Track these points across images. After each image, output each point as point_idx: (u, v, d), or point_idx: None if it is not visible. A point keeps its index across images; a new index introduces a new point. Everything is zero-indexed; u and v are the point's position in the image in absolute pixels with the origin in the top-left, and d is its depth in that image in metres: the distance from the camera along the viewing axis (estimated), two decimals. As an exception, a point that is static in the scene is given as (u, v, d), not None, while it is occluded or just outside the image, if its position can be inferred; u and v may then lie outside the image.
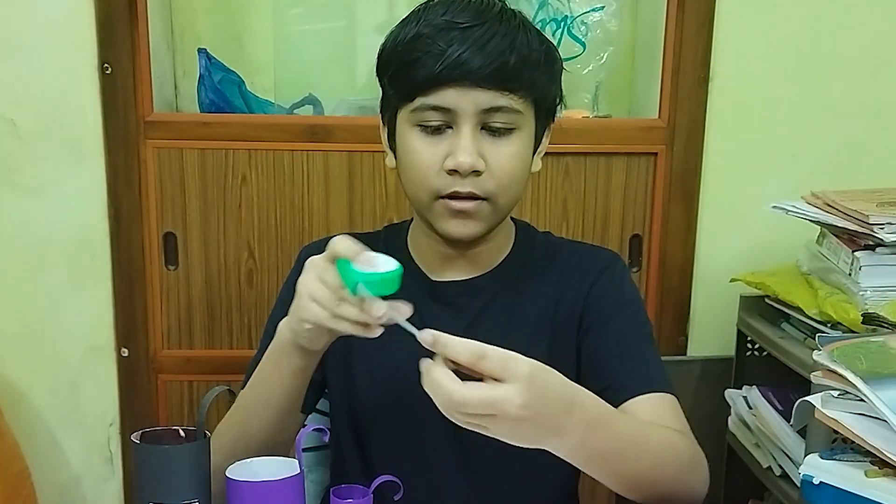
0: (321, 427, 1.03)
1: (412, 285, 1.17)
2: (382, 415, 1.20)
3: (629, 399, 1.12)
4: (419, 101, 1.09)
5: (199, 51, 1.92)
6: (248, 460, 1.01)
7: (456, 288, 1.20)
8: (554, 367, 1.14)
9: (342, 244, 0.97)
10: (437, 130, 1.09)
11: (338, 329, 0.98)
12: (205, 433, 0.96)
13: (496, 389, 0.85)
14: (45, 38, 1.78)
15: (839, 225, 1.50)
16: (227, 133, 1.84)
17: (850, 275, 1.50)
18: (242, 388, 1.21)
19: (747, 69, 1.88)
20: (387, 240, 1.26)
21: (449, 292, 1.20)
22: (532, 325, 1.20)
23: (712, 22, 1.85)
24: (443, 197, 1.11)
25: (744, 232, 1.92)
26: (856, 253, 1.47)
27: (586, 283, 1.21)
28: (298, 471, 0.96)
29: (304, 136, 1.85)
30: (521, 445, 0.89)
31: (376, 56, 1.17)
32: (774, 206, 1.61)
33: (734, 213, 1.92)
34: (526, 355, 1.13)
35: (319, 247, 1.25)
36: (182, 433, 0.98)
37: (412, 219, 1.27)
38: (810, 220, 1.58)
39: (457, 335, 1.06)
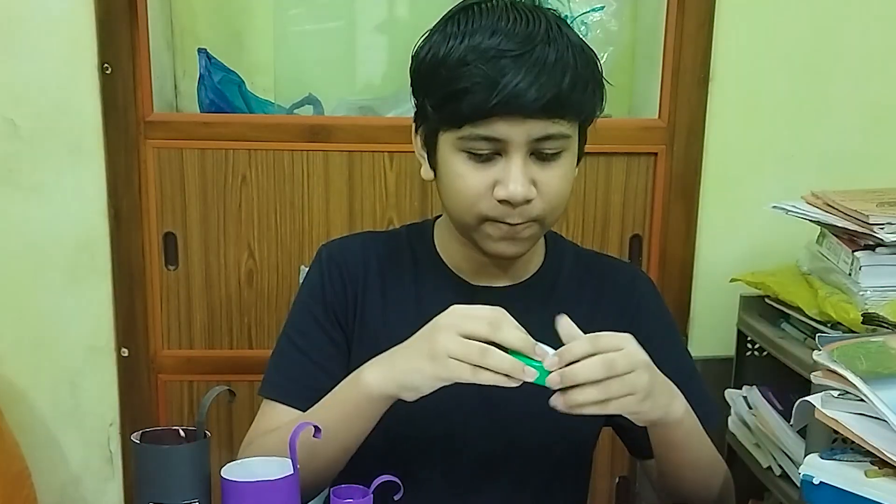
0: (316, 425, 1.02)
1: (452, 290, 1.18)
2: (412, 423, 1.17)
3: None
4: (468, 131, 1.05)
5: (199, 51, 1.92)
6: (244, 460, 1.01)
7: (495, 295, 1.17)
8: None
9: (515, 337, 0.97)
10: (486, 158, 1.07)
11: (479, 381, 0.97)
12: (205, 433, 0.96)
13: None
14: (45, 38, 1.78)
15: (839, 225, 1.50)
16: (227, 133, 1.84)
17: (850, 275, 1.50)
18: (266, 391, 1.19)
19: (747, 69, 1.88)
20: (410, 241, 1.24)
21: (486, 298, 1.15)
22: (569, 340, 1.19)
23: (712, 22, 1.85)
24: (492, 220, 1.09)
25: (744, 232, 1.92)
26: (856, 253, 1.47)
27: (629, 306, 1.21)
28: (293, 470, 0.96)
29: (304, 136, 1.85)
30: (657, 405, 0.98)
31: (411, 65, 1.13)
32: (774, 206, 1.61)
33: (734, 213, 1.92)
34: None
35: (340, 246, 1.25)
36: (182, 433, 0.98)
37: (434, 220, 1.25)
38: (810, 220, 1.58)
39: (489, 342, 1.06)
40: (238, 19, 2.03)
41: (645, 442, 1.15)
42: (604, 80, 1.14)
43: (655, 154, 1.89)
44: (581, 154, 1.16)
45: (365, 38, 2.07)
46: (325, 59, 2.08)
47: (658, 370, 1.00)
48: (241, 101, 1.93)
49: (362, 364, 1.14)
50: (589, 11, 1.96)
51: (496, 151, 1.06)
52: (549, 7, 1.13)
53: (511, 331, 0.97)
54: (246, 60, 2.02)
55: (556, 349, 1.10)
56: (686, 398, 1.13)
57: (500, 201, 1.07)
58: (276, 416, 1.17)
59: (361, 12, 2.07)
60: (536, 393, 1.14)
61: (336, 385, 1.11)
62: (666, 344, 1.19)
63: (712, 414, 1.20)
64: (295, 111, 1.98)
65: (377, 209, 1.88)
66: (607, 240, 1.91)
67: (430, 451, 1.18)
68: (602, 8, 1.96)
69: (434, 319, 1.01)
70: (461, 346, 0.96)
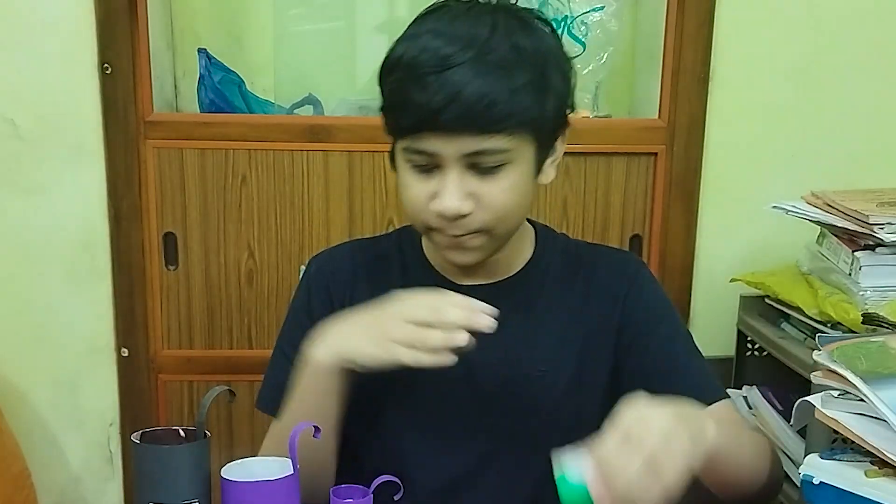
0: (314, 425, 1.02)
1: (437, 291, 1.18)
2: (411, 422, 1.18)
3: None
4: (406, 143, 1.07)
5: (199, 51, 1.92)
6: (244, 460, 1.01)
7: (480, 292, 1.15)
8: (584, 375, 1.18)
9: (457, 315, 1.00)
10: (426, 169, 1.07)
11: (419, 363, 1.00)
12: (205, 433, 0.96)
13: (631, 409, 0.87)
14: (45, 38, 1.78)
15: (839, 225, 1.50)
16: (227, 133, 1.84)
17: (850, 275, 1.50)
18: (263, 404, 1.21)
19: (747, 69, 1.88)
20: (401, 244, 1.24)
21: (474, 296, 1.15)
22: (560, 332, 1.19)
23: (712, 22, 1.85)
24: (435, 229, 1.10)
25: (744, 232, 1.92)
26: (856, 253, 1.47)
27: (619, 291, 1.20)
28: (292, 470, 0.96)
29: (304, 136, 1.85)
30: (697, 441, 0.88)
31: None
32: (774, 206, 1.61)
33: (734, 213, 1.92)
34: (554, 362, 1.17)
35: (328, 258, 1.26)
36: (182, 433, 0.98)
37: None
38: (810, 220, 1.58)
39: (482, 340, 1.06)
40: (238, 19, 2.03)
41: None
42: (566, 82, 1.10)
43: (655, 154, 1.89)
44: (547, 159, 1.13)
45: (365, 38, 2.07)
46: (325, 59, 2.08)
47: (680, 410, 0.92)
48: (241, 101, 1.93)
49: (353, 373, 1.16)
50: (589, 11, 1.96)
51: (434, 164, 1.06)
52: (525, 6, 1.11)
53: (451, 310, 0.99)
54: (246, 60, 2.02)
55: (544, 345, 1.10)
56: (687, 381, 1.14)
57: (437, 214, 1.07)
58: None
59: (361, 12, 2.07)
60: (536, 392, 1.15)
61: None
62: (662, 326, 1.19)
63: (717, 389, 1.17)
64: (295, 111, 1.97)
65: (377, 209, 1.88)
66: (607, 240, 1.91)
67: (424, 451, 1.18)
68: (602, 8, 1.96)
69: (380, 305, 1.05)
70: (403, 330, 1.00)
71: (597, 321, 1.19)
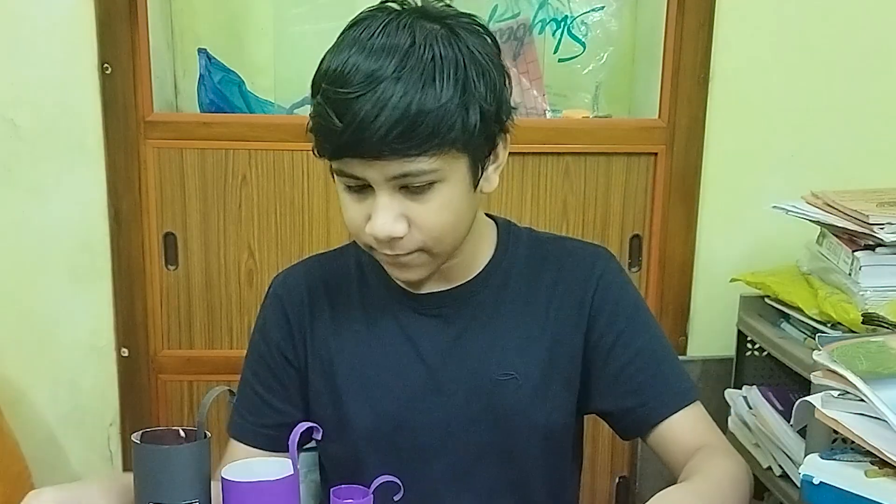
0: (313, 425, 1.02)
1: (396, 301, 1.16)
2: (380, 439, 1.16)
3: (668, 417, 1.14)
4: (335, 165, 1.03)
5: (199, 51, 1.92)
6: (244, 460, 1.01)
7: (440, 299, 1.15)
8: (552, 379, 1.16)
9: None
10: (359, 189, 1.03)
11: None
12: (205, 433, 0.96)
13: None
14: (45, 38, 1.78)
15: (839, 225, 1.50)
16: (227, 133, 1.84)
17: (850, 275, 1.50)
18: (228, 428, 1.22)
19: (747, 69, 1.88)
20: (358, 255, 1.19)
21: (434, 304, 1.15)
22: (525, 334, 1.16)
23: (712, 22, 1.85)
24: (375, 249, 1.07)
25: (744, 232, 1.92)
26: (856, 253, 1.47)
27: (586, 292, 1.16)
28: (293, 471, 0.96)
29: (304, 136, 1.83)
30: None
31: None
32: (774, 206, 1.61)
33: (734, 213, 1.92)
34: (520, 366, 1.15)
35: (284, 280, 1.22)
36: (182, 433, 0.98)
37: None
38: (810, 220, 1.58)
39: (443, 345, 1.06)
40: (238, 19, 2.03)
41: (630, 423, 1.16)
42: (494, 88, 1.02)
43: (655, 154, 1.89)
44: (481, 174, 1.06)
45: (365, 38, 2.07)
46: (325, 59, 2.08)
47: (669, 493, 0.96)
48: (241, 101, 1.93)
49: (321, 386, 1.17)
50: (589, 11, 1.96)
51: (366, 184, 1.02)
52: (461, 13, 1.04)
53: None
54: (246, 60, 2.02)
55: (509, 348, 1.10)
56: (658, 381, 1.14)
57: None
58: (230, 453, 1.19)
59: (361, 12, 2.07)
60: (504, 399, 1.12)
61: (285, 418, 1.16)
62: (630, 327, 1.16)
63: (688, 391, 1.16)
64: (295, 111, 1.98)
65: (377, 209, 1.88)
66: (607, 240, 1.91)
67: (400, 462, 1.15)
68: (602, 8, 1.96)
69: None
70: None
71: (563, 323, 1.16)
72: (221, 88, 1.91)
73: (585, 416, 1.24)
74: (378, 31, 0.99)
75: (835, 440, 1.16)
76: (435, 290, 1.16)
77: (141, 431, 0.97)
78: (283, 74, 2.05)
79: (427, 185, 1.01)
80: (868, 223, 1.43)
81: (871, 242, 1.46)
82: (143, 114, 1.82)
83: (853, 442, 1.02)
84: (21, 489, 1.77)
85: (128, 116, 1.82)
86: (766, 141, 1.91)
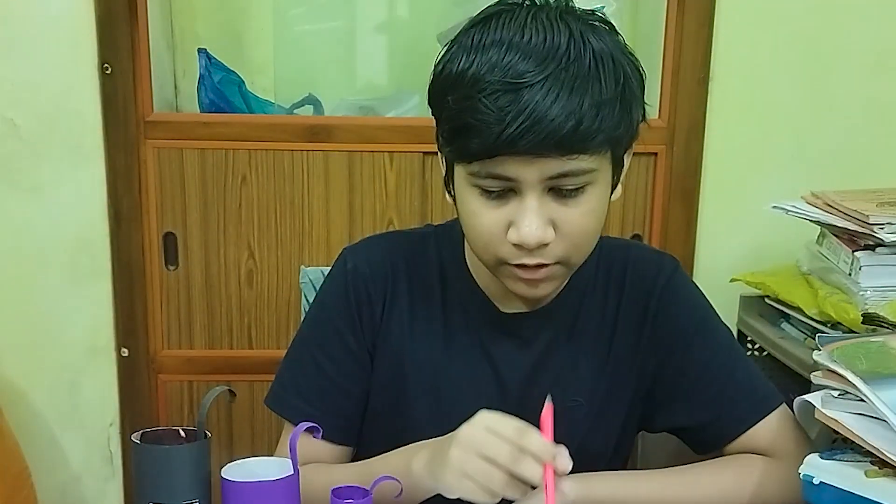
0: (314, 426, 1.02)
1: (480, 315, 1.11)
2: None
3: (749, 429, 1.10)
4: (477, 167, 0.95)
5: (199, 51, 1.92)
6: (243, 460, 1.01)
7: (524, 320, 1.11)
8: (618, 392, 1.13)
9: (532, 473, 0.88)
10: (499, 194, 0.97)
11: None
12: (205, 433, 0.96)
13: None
14: (45, 38, 1.78)
15: (839, 225, 1.50)
16: (227, 133, 1.84)
17: (850, 275, 1.50)
18: (289, 413, 1.14)
19: (747, 69, 1.88)
20: (439, 249, 1.14)
21: (517, 325, 1.11)
22: (597, 352, 1.13)
23: (712, 22, 1.85)
24: (509, 264, 1.00)
25: (744, 232, 1.92)
26: (856, 253, 1.47)
27: (649, 302, 1.13)
28: (293, 471, 0.96)
29: (304, 136, 1.85)
30: None
31: (429, 83, 1.01)
32: (774, 206, 1.61)
33: (734, 213, 1.92)
34: (590, 389, 1.12)
35: (366, 256, 1.14)
36: (182, 433, 0.98)
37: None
38: (810, 220, 1.58)
39: (524, 370, 1.04)
40: (238, 19, 2.03)
41: (706, 437, 1.12)
42: (643, 88, 1.02)
43: (655, 154, 1.89)
44: (618, 180, 1.05)
45: (365, 38, 2.08)
46: (325, 59, 2.08)
47: None
48: (241, 101, 1.93)
49: (386, 380, 1.12)
50: (589, 11, 1.96)
51: (509, 188, 0.96)
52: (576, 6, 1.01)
53: (530, 466, 0.88)
54: (246, 60, 2.02)
55: (585, 370, 1.07)
56: (731, 392, 1.10)
57: (514, 244, 0.97)
58: (315, 452, 1.11)
59: (361, 12, 2.08)
60: (571, 423, 1.05)
61: (356, 406, 1.12)
62: (697, 339, 1.12)
63: (763, 399, 1.12)
64: (295, 111, 1.98)
65: (377, 209, 1.88)
66: (607, 240, 1.91)
67: None
68: (602, 8, 1.96)
69: (461, 429, 0.93)
70: (479, 471, 0.90)
71: (627, 339, 1.13)
72: (221, 88, 1.91)
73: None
74: (526, 25, 0.94)
75: (835, 440, 1.16)
76: (519, 311, 1.11)
77: (141, 431, 0.97)
78: (283, 74, 2.05)
79: (579, 189, 0.97)
80: (868, 223, 1.43)
81: (871, 242, 1.46)
82: (143, 114, 1.82)
83: (853, 442, 1.02)
84: (21, 489, 1.78)
85: (128, 116, 1.82)
86: (766, 141, 1.91)
